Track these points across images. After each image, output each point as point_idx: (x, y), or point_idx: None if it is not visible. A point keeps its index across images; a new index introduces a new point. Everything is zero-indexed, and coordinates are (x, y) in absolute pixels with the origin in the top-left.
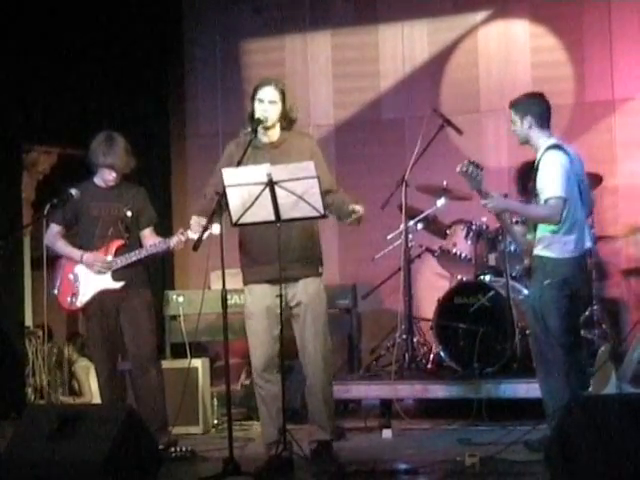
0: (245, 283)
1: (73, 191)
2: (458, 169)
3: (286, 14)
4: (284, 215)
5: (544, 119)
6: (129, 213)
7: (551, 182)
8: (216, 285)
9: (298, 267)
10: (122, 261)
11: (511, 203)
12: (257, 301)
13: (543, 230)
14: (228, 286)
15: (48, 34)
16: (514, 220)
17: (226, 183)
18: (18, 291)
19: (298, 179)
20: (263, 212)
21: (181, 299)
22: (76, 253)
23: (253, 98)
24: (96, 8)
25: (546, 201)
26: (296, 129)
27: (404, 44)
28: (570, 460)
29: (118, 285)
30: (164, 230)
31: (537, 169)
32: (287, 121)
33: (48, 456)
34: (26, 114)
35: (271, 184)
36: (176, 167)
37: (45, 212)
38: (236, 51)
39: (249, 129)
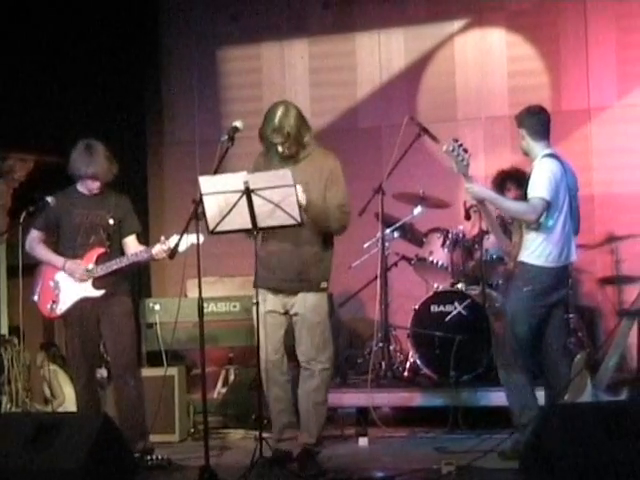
0: (254, 285)
1: (49, 199)
2: (444, 148)
3: (263, 22)
4: (261, 223)
5: (537, 131)
6: (111, 221)
7: (537, 184)
8: (193, 293)
9: (297, 283)
10: (103, 269)
11: (491, 193)
12: (261, 305)
13: (530, 236)
14: (205, 294)
15: (24, 42)
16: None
17: (203, 191)
18: None
19: (275, 187)
20: (240, 220)
21: (157, 307)
22: (58, 260)
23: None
24: (72, 16)
25: (529, 200)
26: (322, 148)
27: (381, 52)
28: (545, 468)
29: (99, 293)
30: (141, 237)
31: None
32: (299, 144)
33: (23, 464)
34: (2, 121)
35: (248, 192)
36: (153, 174)
37: (22, 219)
38: (213, 59)
39: (226, 136)
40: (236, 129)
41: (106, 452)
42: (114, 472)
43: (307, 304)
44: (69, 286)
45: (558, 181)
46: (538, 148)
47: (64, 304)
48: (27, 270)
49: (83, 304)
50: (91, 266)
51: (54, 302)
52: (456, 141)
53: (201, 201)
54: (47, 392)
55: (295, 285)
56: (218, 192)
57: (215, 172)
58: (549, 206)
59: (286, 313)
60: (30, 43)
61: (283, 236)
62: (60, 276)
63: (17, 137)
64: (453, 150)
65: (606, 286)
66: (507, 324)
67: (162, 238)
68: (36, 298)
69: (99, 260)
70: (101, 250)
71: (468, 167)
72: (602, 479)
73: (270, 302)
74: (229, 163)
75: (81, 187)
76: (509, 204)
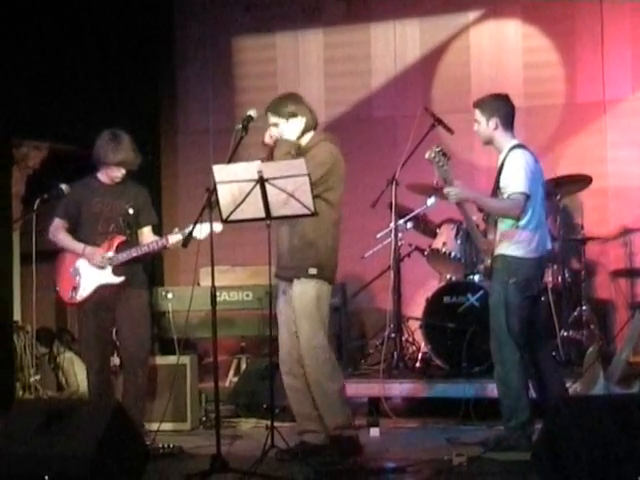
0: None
1: (63, 186)
2: (426, 155)
3: (277, 12)
4: (274, 212)
5: (509, 121)
6: (131, 210)
7: (515, 178)
8: (205, 282)
9: (289, 270)
10: (123, 257)
11: (472, 194)
12: (280, 294)
13: (507, 229)
14: (217, 283)
15: (38, 29)
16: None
17: (217, 179)
18: (7, 286)
19: (289, 177)
20: (253, 209)
21: (170, 295)
22: (78, 246)
23: None
24: (87, 5)
25: (509, 196)
26: (326, 141)
27: (396, 43)
28: (558, 460)
29: (119, 280)
30: (154, 227)
31: (501, 168)
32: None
33: (35, 451)
34: (16, 109)
35: (262, 181)
36: (166, 164)
37: (35, 207)
38: (227, 48)
39: (240, 126)
40: (250, 118)
41: (118, 439)
42: (126, 459)
43: (295, 291)
44: (89, 273)
45: (533, 172)
46: (507, 138)
47: (84, 290)
48: (40, 258)
49: (102, 291)
50: (111, 254)
51: (74, 288)
52: (437, 147)
53: (215, 190)
54: (62, 379)
55: (289, 272)
56: (232, 181)
57: (229, 161)
58: (527, 199)
59: None
60: (44, 31)
61: (283, 224)
62: (81, 263)
63: (31, 125)
64: (435, 157)
65: (619, 279)
66: (495, 321)
67: (176, 229)
68: (57, 287)
69: (119, 248)
70: (121, 238)
71: (448, 172)
72: (614, 471)
73: (283, 290)
74: (243, 152)
75: (102, 176)
76: (492, 203)
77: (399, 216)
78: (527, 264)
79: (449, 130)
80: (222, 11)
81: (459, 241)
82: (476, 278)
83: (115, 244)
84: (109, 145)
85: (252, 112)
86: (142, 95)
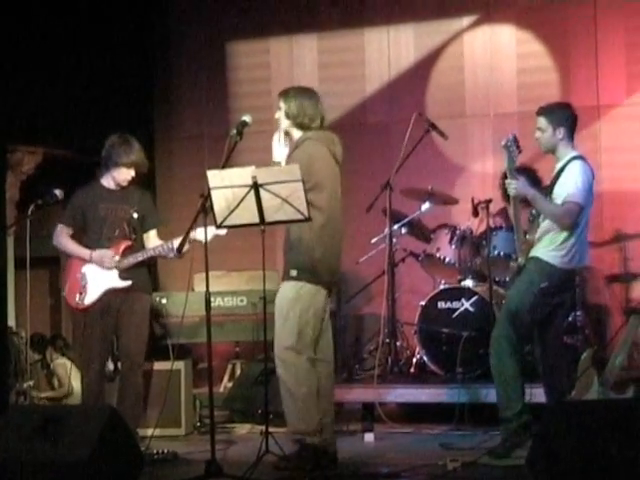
0: None
1: (57, 191)
2: (502, 142)
3: (272, 17)
4: (268, 218)
5: (573, 131)
6: (135, 215)
7: (574, 188)
8: (200, 287)
9: (283, 271)
10: (130, 261)
11: (532, 191)
12: None
13: (552, 235)
14: (212, 288)
15: (32, 34)
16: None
17: (211, 185)
18: (1, 291)
19: (283, 182)
20: (247, 214)
21: (164, 301)
22: (85, 252)
23: None
24: (82, 9)
25: (563, 203)
26: (313, 134)
27: (390, 48)
28: (552, 465)
29: (126, 284)
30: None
31: (558, 176)
32: (297, 125)
33: (30, 456)
34: (11, 114)
35: (256, 186)
36: (161, 169)
37: (30, 212)
38: (222, 53)
39: (235, 131)
40: (245, 124)
41: (113, 444)
42: (120, 464)
43: (278, 294)
44: (96, 278)
45: (591, 187)
46: (569, 148)
47: (92, 295)
48: (34, 263)
49: (108, 295)
50: (117, 257)
51: (81, 293)
52: (513, 135)
53: (209, 195)
54: (55, 385)
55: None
56: (226, 186)
57: (223, 166)
58: (581, 211)
59: None
60: (39, 36)
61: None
62: (87, 268)
63: (25, 130)
64: (510, 145)
65: (614, 284)
66: (507, 314)
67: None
68: (65, 292)
69: (125, 252)
70: (128, 243)
71: (515, 164)
72: (608, 477)
73: None
74: (237, 158)
75: (107, 181)
76: (547, 206)
77: (393, 221)
78: (558, 274)
79: (443, 135)
80: (216, 16)
81: (453, 246)
82: (470, 283)
83: (121, 248)
84: (121, 147)
85: (247, 118)
86: (137, 100)
